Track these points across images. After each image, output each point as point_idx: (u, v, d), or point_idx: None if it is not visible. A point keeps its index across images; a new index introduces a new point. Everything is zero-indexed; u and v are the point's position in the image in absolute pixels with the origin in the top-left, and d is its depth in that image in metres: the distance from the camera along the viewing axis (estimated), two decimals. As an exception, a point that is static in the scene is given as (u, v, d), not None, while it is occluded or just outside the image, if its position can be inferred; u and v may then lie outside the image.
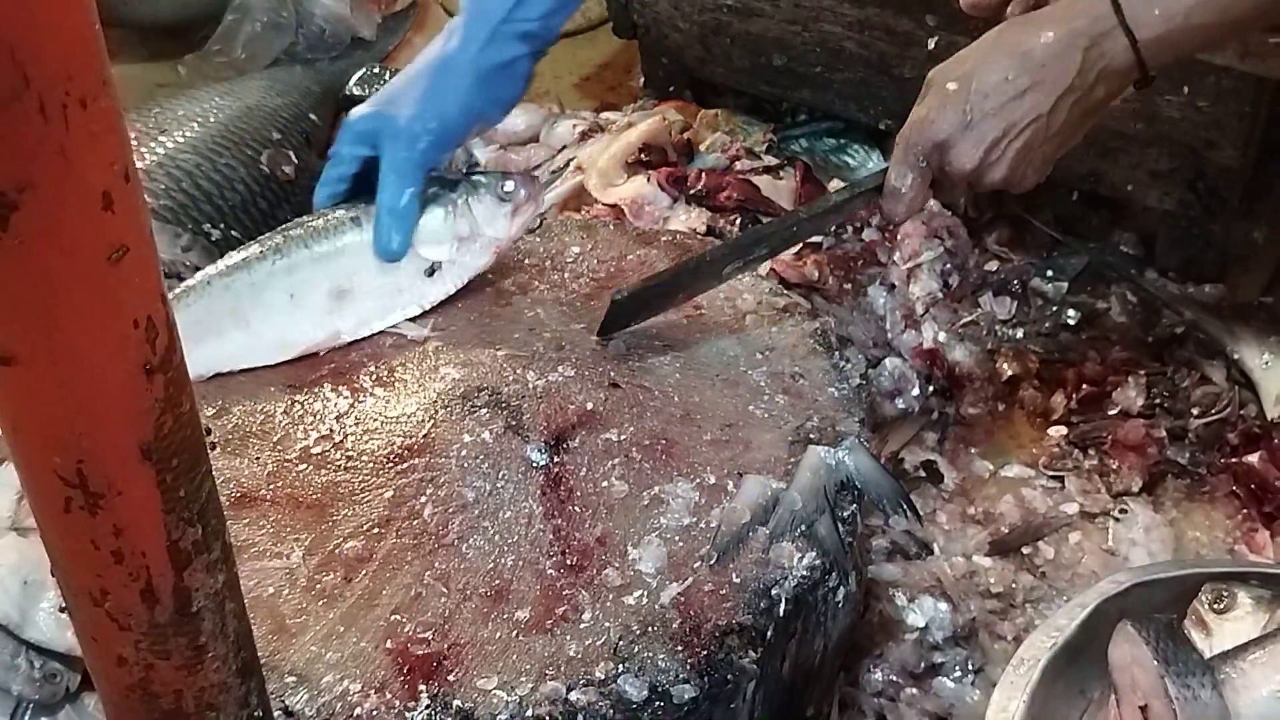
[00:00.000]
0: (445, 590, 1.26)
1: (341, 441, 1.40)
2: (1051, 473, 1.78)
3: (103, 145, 0.67)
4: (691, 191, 2.04)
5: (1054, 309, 1.96)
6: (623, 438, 1.39)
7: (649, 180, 2.03)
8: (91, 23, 0.65)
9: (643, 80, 2.40)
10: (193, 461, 0.80)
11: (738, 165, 2.12)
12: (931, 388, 1.83)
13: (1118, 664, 1.29)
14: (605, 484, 1.35)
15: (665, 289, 1.50)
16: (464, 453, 1.38)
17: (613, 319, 1.49)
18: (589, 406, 1.42)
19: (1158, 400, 1.83)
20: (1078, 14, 1.36)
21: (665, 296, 1.51)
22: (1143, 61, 1.36)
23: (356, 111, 1.59)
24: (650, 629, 1.22)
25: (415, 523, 1.32)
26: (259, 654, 0.97)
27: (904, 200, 1.43)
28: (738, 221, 2.02)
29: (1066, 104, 1.37)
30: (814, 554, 1.29)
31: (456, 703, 1.17)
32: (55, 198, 0.65)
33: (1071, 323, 1.94)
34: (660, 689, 1.18)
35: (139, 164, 1.94)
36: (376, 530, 1.31)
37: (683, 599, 1.25)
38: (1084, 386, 1.85)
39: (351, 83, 2.10)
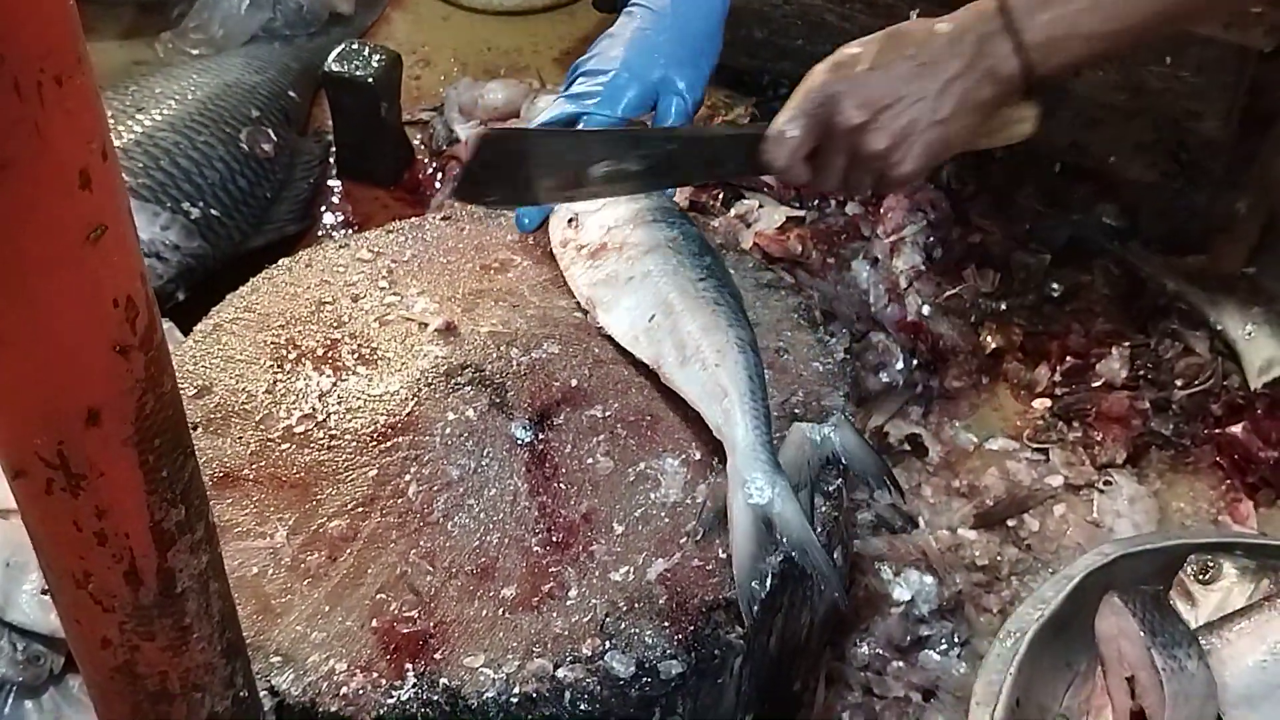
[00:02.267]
0: (431, 568, 1.25)
1: (325, 420, 1.39)
2: (1036, 445, 1.78)
3: (79, 123, 0.66)
4: (674, 166, 2.03)
5: (1037, 281, 1.96)
6: (608, 414, 1.39)
7: (631, 155, 2.02)
8: (66, -1, 0.64)
9: (623, 54, 2.38)
10: (175, 442, 0.80)
11: (720, 139, 2.11)
12: (915, 361, 1.83)
13: (1104, 636, 1.29)
14: (590, 460, 1.34)
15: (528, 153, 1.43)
16: (448, 430, 1.37)
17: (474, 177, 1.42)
18: (574, 383, 1.42)
19: (1141, 372, 1.83)
20: (970, 12, 1.42)
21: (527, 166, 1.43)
22: (1030, 65, 1.39)
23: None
24: (637, 605, 1.22)
25: (400, 501, 1.31)
26: (244, 634, 0.97)
27: (787, 146, 1.42)
28: (720, 196, 2.01)
29: (954, 91, 1.40)
30: (800, 529, 1.28)
31: (443, 681, 1.17)
32: (32, 176, 0.65)
33: (1055, 295, 1.94)
34: (647, 665, 1.18)
35: (116, 142, 1.92)
36: (361, 509, 1.31)
37: (669, 575, 1.24)
38: (1068, 359, 1.85)
39: (330, 59, 2.07)
